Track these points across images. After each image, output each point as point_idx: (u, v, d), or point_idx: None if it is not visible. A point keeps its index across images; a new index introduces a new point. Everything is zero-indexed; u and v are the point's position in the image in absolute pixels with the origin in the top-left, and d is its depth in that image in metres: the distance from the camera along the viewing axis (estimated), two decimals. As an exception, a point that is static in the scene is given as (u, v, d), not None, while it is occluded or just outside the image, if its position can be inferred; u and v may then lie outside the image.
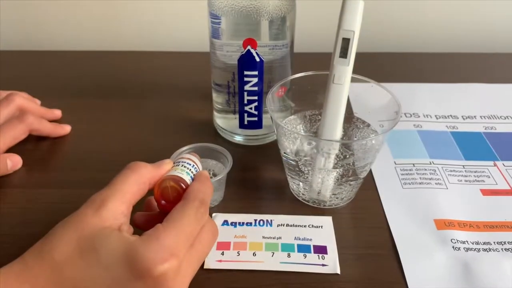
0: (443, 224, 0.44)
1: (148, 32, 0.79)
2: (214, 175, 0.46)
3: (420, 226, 0.44)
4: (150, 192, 0.37)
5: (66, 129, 0.56)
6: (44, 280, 0.30)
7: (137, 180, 0.35)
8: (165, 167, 0.38)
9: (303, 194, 0.47)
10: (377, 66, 0.69)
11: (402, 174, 0.51)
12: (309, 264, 0.41)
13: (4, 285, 0.29)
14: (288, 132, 0.46)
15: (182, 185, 0.36)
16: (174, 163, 0.39)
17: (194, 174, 0.38)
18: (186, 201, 0.35)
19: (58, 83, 0.67)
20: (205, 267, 0.40)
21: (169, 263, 0.31)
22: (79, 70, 0.71)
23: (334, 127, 0.43)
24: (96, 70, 0.71)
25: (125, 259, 0.30)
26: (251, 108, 0.52)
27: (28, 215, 0.45)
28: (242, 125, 0.54)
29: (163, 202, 0.37)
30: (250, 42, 0.48)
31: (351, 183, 0.45)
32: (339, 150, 0.45)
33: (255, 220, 0.45)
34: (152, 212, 0.38)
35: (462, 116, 0.60)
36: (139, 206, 0.36)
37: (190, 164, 0.39)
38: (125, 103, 0.63)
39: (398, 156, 0.53)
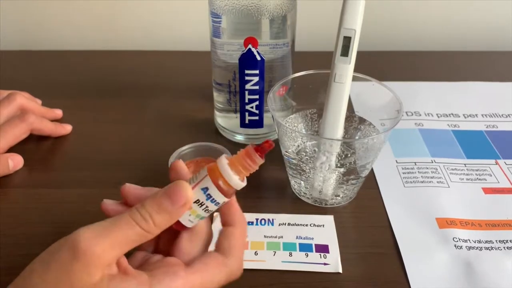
0: (445, 223, 0.44)
1: (149, 32, 0.79)
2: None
3: (422, 224, 0.44)
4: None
5: (67, 128, 0.56)
6: None
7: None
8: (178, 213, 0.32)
9: (304, 193, 0.47)
10: (379, 65, 0.69)
11: (403, 173, 0.51)
12: (311, 263, 0.41)
13: None
14: (289, 131, 0.46)
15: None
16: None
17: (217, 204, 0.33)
18: (224, 264, 0.32)
19: (58, 83, 0.67)
20: (206, 266, 0.40)
21: None
22: (79, 69, 0.71)
23: (336, 125, 0.43)
24: (97, 69, 0.70)
25: None
26: (252, 107, 0.52)
27: (30, 215, 0.45)
28: (243, 124, 0.54)
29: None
30: (251, 41, 0.48)
31: (353, 182, 0.45)
32: (341, 149, 0.45)
33: (257, 219, 0.45)
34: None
35: (464, 115, 0.60)
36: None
37: (214, 202, 0.32)
38: (125, 103, 0.63)
39: (400, 154, 0.53)
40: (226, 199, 0.32)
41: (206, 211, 0.33)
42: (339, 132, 0.44)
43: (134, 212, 0.30)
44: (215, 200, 0.32)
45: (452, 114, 0.60)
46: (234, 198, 0.34)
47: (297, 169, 0.46)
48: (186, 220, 0.32)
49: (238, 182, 0.32)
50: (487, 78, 0.67)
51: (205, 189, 0.32)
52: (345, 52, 0.42)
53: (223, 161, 0.32)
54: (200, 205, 0.32)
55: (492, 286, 0.39)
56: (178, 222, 0.32)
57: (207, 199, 0.32)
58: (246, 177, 0.33)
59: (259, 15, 0.47)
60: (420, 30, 0.79)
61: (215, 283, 0.32)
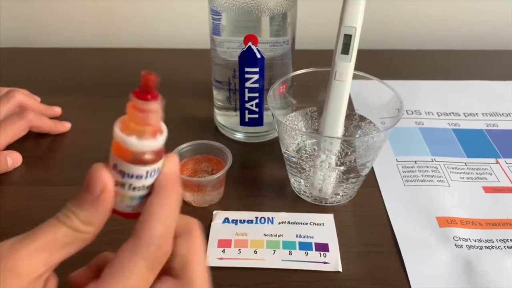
0: (445, 222, 0.44)
1: (148, 29, 0.79)
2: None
3: (422, 223, 0.44)
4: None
5: (66, 126, 0.56)
6: None
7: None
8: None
9: (304, 191, 0.47)
10: (379, 63, 0.69)
11: (404, 172, 0.50)
12: (311, 261, 0.40)
13: None
14: (289, 129, 0.46)
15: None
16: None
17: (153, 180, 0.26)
18: (134, 249, 0.25)
19: (58, 81, 0.67)
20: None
21: None
22: (79, 67, 0.71)
23: (336, 124, 0.43)
24: (96, 67, 0.70)
25: None
26: (252, 105, 0.52)
27: (29, 213, 0.45)
28: (243, 122, 0.53)
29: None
30: (251, 38, 0.48)
31: (353, 180, 0.45)
32: (341, 147, 0.45)
33: (256, 218, 0.45)
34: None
35: (464, 114, 0.60)
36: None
37: (134, 177, 0.26)
38: (125, 100, 0.62)
39: (400, 153, 0.53)
40: (149, 167, 0.25)
41: (136, 189, 0.26)
42: (339, 130, 0.44)
43: (59, 213, 0.27)
44: (134, 175, 0.25)
45: (452, 113, 0.60)
46: (173, 161, 0.29)
47: (297, 167, 0.46)
48: (123, 206, 0.26)
49: (139, 143, 0.25)
50: (487, 77, 0.67)
51: (115, 166, 0.26)
52: (346, 50, 0.41)
53: (115, 127, 0.25)
54: (122, 186, 0.26)
55: (492, 285, 0.39)
56: (118, 212, 0.27)
57: (123, 177, 0.25)
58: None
59: (259, 13, 0.47)
60: (421, 29, 0.79)
61: (133, 270, 0.25)
